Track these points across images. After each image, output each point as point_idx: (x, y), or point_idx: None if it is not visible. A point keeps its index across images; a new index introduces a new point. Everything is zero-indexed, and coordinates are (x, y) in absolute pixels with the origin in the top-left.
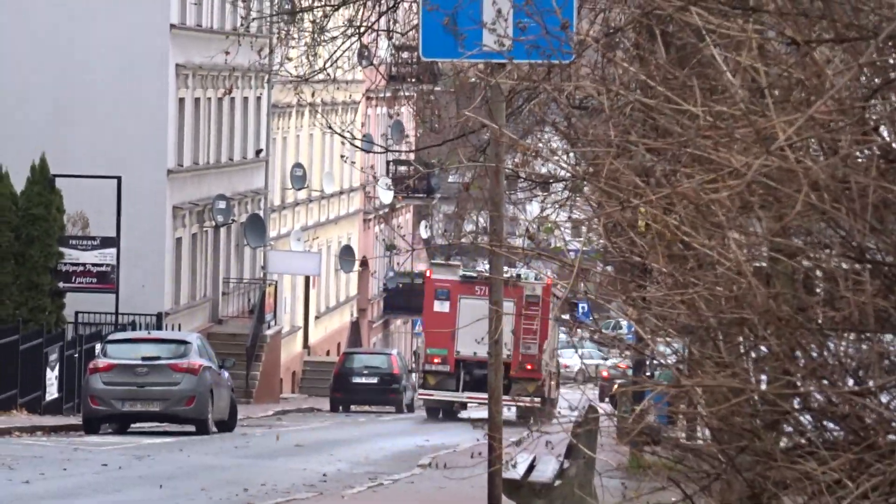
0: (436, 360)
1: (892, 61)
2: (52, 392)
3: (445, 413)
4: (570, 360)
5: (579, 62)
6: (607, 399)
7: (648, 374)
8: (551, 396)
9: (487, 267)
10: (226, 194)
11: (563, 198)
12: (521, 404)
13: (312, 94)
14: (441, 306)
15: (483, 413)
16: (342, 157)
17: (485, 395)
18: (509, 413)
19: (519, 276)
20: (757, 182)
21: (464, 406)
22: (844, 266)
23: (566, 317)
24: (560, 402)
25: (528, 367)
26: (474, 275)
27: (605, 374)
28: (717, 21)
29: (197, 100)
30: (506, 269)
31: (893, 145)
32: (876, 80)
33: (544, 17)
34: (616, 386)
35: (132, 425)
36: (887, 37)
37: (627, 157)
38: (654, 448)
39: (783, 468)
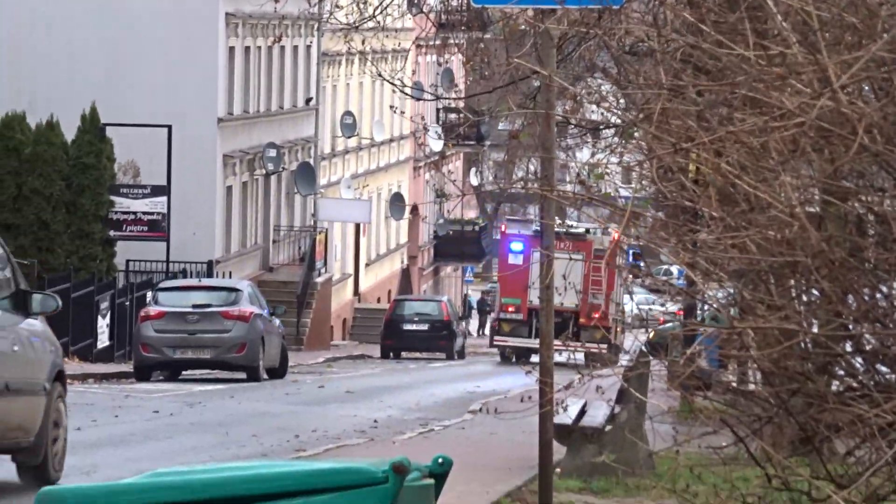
0: (510, 309)
1: None
2: (103, 340)
3: (518, 358)
4: (626, 305)
5: (629, 6)
6: (646, 346)
7: (700, 318)
8: (618, 343)
9: (558, 221)
10: (276, 143)
11: (613, 143)
12: (590, 349)
13: (362, 42)
14: (515, 258)
15: (557, 358)
16: (392, 107)
17: (557, 342)
18: (577, 359)
19: (588, 230)
20: (810, 125)
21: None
22: None
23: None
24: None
25: (595, 315)
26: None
27: (661, 319)
28: None
29: (247, 48)
30: (575, 223)
31: None
32: None
33: None
34: (652, 333)
35: (183, 372)
36: None
37: (679, 101)
38: (705, 392)
39: (835, 411)
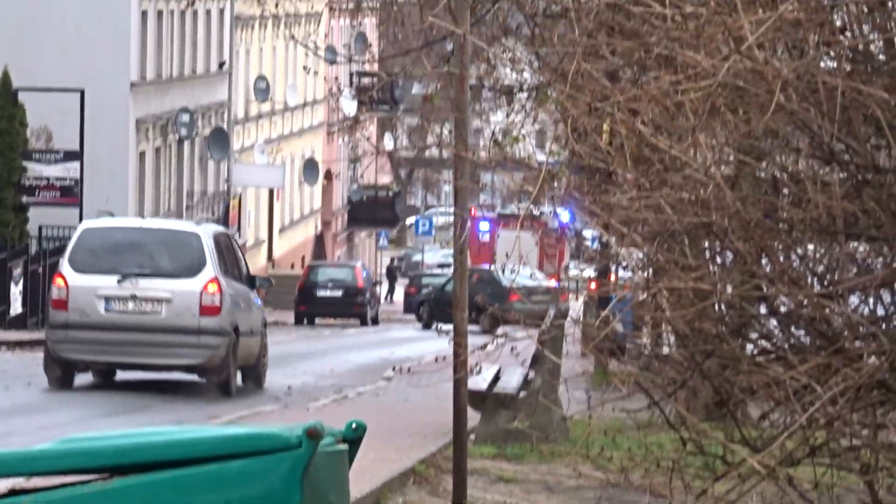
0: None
1: None
2: (16, 307)
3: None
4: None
5: None
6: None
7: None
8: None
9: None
10: (189, 107)
11: (528, 106)
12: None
13: (276, 6)
14: (483, 236)
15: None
16: (304, 67)
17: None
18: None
19: (542, 213)
20: (725, 84)
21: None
22: (813, 168)
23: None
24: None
25: (553, 278)
26: (508, 213)
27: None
28: None
29: (160, 12)
30: (534, 208)
31: (860, 46)
32: None
33: None
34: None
35: None
36: None
37: (593, 62)
38: (619, 355)
39: (750, 374)
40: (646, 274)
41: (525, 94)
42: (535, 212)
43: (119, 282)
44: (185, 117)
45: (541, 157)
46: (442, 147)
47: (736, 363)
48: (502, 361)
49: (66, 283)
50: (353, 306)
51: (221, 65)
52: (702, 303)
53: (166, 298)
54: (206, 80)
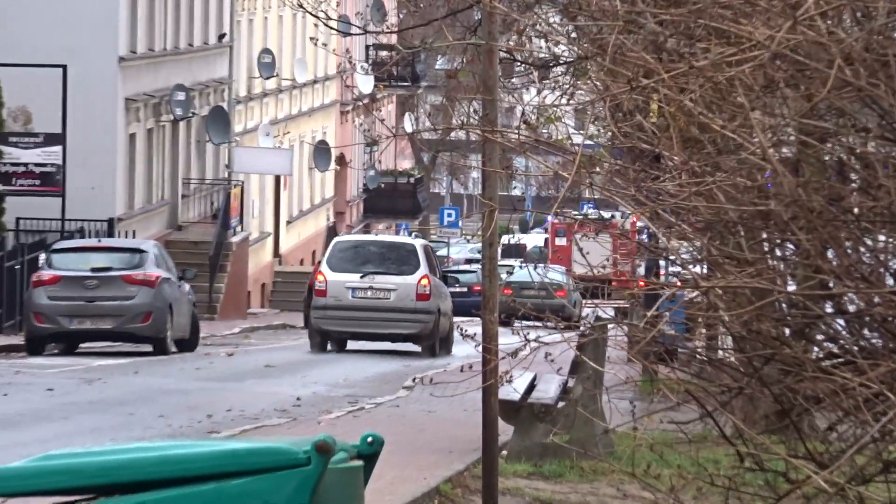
0: None
1: None
2: None
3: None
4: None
5: None
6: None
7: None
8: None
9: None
10: (185, 85)
11: (564, 83)
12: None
13: None
14: (560, 241)
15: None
16: (312, 39)
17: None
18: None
19: (613, 216)
20: (782, 56)
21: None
22: (883, 150)
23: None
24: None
25: (623, 277)
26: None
27: (642, 283)
28: None
29: None
30: (604, 212)
31: None
32: None
33: None
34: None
35: (81, 345)
36: None
37: (636, 32)
38: (668, 361)
39: (815, 380)
40: (698, 269)
41: (561, 69)
42: (607, 215)
43: (361, 277)
44: (181, 95)
45: (578, 139)
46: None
47: (799, 369)
48: (537, 368)
49: (325, 278)
50: None
51: (221, 37)
52: (760, 301)
53: (393, 289)
54: (204, 55)
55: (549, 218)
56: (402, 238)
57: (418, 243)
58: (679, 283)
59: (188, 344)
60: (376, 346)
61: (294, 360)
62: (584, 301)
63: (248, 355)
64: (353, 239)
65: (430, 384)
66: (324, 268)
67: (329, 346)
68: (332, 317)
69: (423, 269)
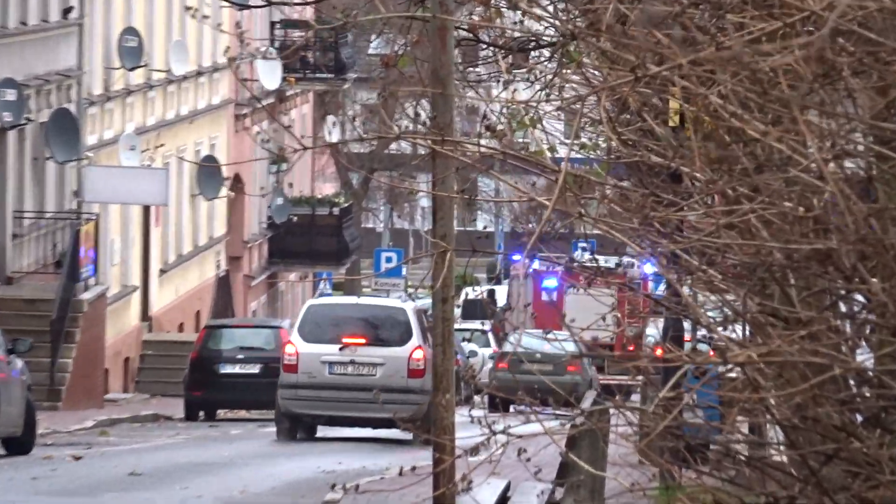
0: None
1: None
2: None
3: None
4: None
5: None
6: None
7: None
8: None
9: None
10: (16, 79)
11: (545, 71)
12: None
13: None
14: (548, 296)
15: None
16: (189, 9)
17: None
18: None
19: (618, 264)
20: (847, 33)
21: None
22: None
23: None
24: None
25: (631, 347)
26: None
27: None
28: None
29: None
30: (605, 259)
31: None
32: None
33: None
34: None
35: None
36: None
37: (644, 0)
38: (693, 461)
39: (894, 485)
40: (732, 333)
41: (542, 54)
42: (610, 263)
43: (340, 349)
44: (11, 94)
45: (563, 150)
46: (413, 139)
47: (873, 470)
48: (511, 472)
49: (296, 350)
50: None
51: (67, 11)
52: (819, 377)
53: (380, 363)
54: (44, 38)
55: (523, 261)
56: (390, 301)
57: (409, 307)
58: (711, 353)
59: (21, 444)
60: (349, 432)
61: (169, 466)
62: (600, 377)
63: (105, 459)
64: (330, 302)
65: (357, 492)
66: (294, 337)
67: (299, 434)
68: (305, 397)
69: (416, 338)
